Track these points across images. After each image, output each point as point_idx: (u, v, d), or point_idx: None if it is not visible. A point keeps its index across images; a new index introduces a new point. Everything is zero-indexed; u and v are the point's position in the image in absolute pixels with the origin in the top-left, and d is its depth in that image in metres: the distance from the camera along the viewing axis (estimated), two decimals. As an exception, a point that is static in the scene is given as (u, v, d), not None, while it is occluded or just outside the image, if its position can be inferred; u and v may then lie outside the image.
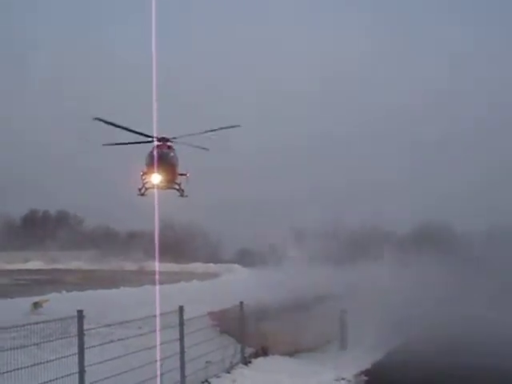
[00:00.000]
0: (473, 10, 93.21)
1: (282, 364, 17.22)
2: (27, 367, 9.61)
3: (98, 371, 10.73)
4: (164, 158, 25.54)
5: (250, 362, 17.18)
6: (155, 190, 26.18)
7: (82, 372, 10.41)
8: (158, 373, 12.50)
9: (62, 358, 10.43)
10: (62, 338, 10.79)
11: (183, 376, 13.66)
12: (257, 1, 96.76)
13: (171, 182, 26.12)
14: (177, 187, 26.52)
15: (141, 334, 12.63)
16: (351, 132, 68.82)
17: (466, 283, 31.35)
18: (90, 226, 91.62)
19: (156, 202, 25.83)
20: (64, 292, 29.17)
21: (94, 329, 11.05)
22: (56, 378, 9.97)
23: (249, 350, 17.70)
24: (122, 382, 11.25)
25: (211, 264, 60.09)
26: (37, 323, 10.49)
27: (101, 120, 23.34)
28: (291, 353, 18.53)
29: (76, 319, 10.74)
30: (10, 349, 9.34)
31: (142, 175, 25.75)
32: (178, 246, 72.11)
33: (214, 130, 24.17)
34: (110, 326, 12.14)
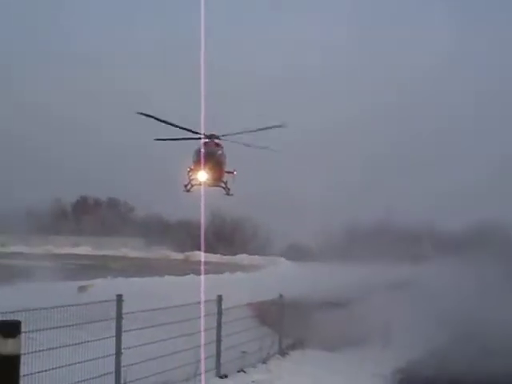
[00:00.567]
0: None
1: (319, 357, 17.35)
2: (66, 346, 9.94)
3: (135, 354, 11.04)
4: (211, 156, 25.64)
5: (287, 354, 17.37)
6: (201, 187, 26.46)
7: (118, 353, 10.75)
8: (203, 356, 12.82)
9: (101, 339, 10.77)
10: (101, 321, 11.10)
11: (218, 363, 13.92)
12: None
13: (218, 180, 26.27)
14: (223, 185, 26.67)
15: (180, 321, 12.87)
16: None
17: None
18: (140, 214, 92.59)
19: (203, 194, 26.18)
20: (109, 278, 29.69)
21: (132, 313, 11.30)
22: (94, 358, 10.29)
23: (286, 342, 17.88)
24: (158, 365, 11.56)
25: (257, 256, 60.26)
26: (77, 305, 10.85)
27: (146, 115, 23.62)
28: (329, 347, 18.60)
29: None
30: (51, 328, 9.62)
31: (189, 172, 25.95)
32: (227, 237, 72.57)
33: (261, 129, 24.31)
34: (148, 311, 12.37)
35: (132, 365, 10.99)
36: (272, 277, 33.01)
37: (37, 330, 9.12)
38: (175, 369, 12.15)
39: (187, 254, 66.40)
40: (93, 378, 10.23)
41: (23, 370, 8.50)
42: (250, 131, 24.80)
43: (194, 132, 25.21)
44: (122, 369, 10.88)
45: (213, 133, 26.03)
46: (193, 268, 39.45)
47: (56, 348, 9.72)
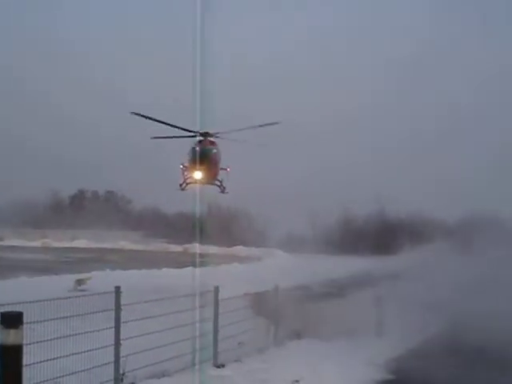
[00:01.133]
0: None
1: (315, 347, 17.52)
2: (66, 337, 10.18)
3: (132, 345, 11.28)
4: (206, 155, 25.79)
5: (283, 344, 17.60)
6: (197, 185, 26.59)
7: (117, 344, 11.00)
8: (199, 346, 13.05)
9: (99, 330, 11.02)
10: (99, 312, 11.33)
11: (215, 353, 14.17)
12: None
13: (213, 178, 26.45)
14: (218, 183, 26.84)
15: (176, 312, 13.11)
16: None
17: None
18: (138, 207, 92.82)
19: (199, 189, 26.33)
20: (107, 270, 29.93)
21: (130, 304, 11.52)
22: (93, 349, 10.54)
23: (282, 333, 18.11)
24: (156, 356, 11.80)
25: (253, 248, 60.56)
26: (76, 297, 11.10)
27: (138, 114, 23.77)
28: (325, 337, 18.79)
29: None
30: (50, 319, 9.84)
31: (184, 171, 26.07)
32: (223, 229, 72.77)
33: (256, 127, 24.45)
34: (146, 302, 12.60)
35: (130, 355, 11.21)
36: (268, 268, 33.35)
37: (36, 322, 9.28)
38: (173, 359, 12.38)
39: (185, 246, 66.72)
40: (92, 368, 10.46)
41: (25, 360, 8.73)
42: (246, 128, 24.95)
43: (188, 130, 25.36)
44: (121, 359, 11.11)
45: (207, 131, 26.18)
46: (190, 260, 39.75)
47: (55, 339, 9.93)
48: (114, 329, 11.12)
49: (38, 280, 25.04)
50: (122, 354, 11.15)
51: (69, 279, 24.04)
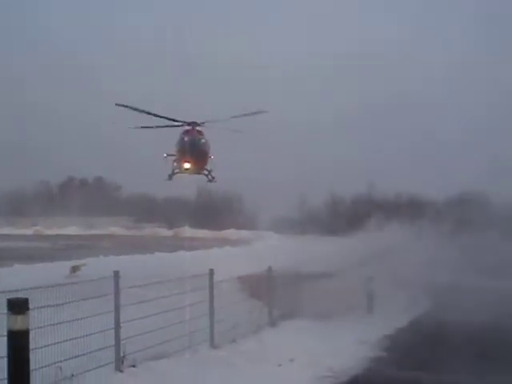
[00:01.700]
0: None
1: (308, 327, 17.83)
2: (66, 322, 10.44)
3: (130, 328, 11.57)
4: (196, 145, 25.87)
5: (276, 325, 17.92)
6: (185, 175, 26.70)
7: (117, 327, 11.30)
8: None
9: (98, 314, 11.29)
10: (97, 297, 11.61)
11: (212, 335, 14.48)
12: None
13: (201, 168, 26.56)
14: (205, 173, 26.95)
15: (171, 295, 13.38)
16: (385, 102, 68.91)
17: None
18: (127, 193, 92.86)
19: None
20: (101, 257, 30.11)
21: (128, 288, 11.80)
22: (94, 333, 10.82)
23: (276, 313, 18.42)
24: (154, 338, 12.09)
25: (244, 231, 60.83)
26: (74, 283, 11.39)
27: (123, 105, 23.83)
28: (317, 317, 19.08)
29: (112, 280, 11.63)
30: (49, 306, 10.09)
31: (173, 161, 26.09)
32: (214, 213, 73.03)
33: (244, 115, 24.56)
34: (142, 286, 12.87)
35: (129, 337, 11.50)
36: (260, 250, 33.57)
37: (35, 308, 9.51)
38: (170, 341, 12.66)
39: (176, 230, 66.98)
40: (94, 351, 10.74)
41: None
42: (234, 117, 25.03)
43: (174, 120, 25.44)
44: (121, 342, 11.40)
45: (194, 120, 26.23)
46: (182, 244, 39.99)
47: (54, 324, 10.17)
48: (114, 313, 11.39)
49: (32, 267, 25.18)
50: (121, 337, 11.44)
51: (63, 266, 24.18)
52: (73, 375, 10.19)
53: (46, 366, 9.64)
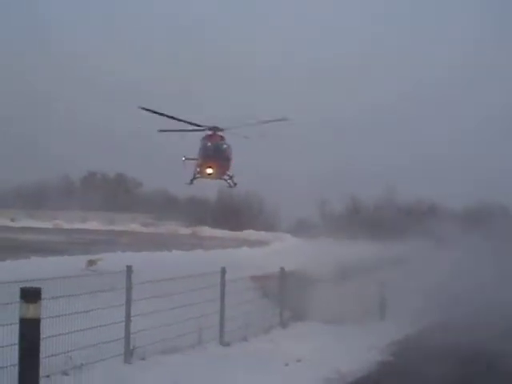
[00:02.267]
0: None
1: (319, 329, 17.98)
2: (79, 313, 10.65)
3: (141, 322, 11.77)
4: (219, 151, 25.92)
5: (287, 325, 18.08)
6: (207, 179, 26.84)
7: (128, 321, 11.52)
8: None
9: (110, 307, 11.50)
10: (110, 291, 11.82)
11: (222, 332, 14.65)
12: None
13: (224, 173, 26.62)
14: (226, 178, 27.00)
15: (184, 292, 13.55)
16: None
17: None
18: (147, 190, 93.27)
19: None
20: (118, 252, 30.32)
21: (141, 283, 11.99)
22: (105, 325, 11.02)
23: (287, 314, 18.57)
24: (164, 333, 12.28)
25: (263, 232, 60.88)
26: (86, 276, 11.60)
27: (147, 109, 23.97)
28: (329, 320, 19.21)
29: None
30: (61, 296, 10.28)
31: (196, 166, 26.10)
32: (233, 213, 73.22)
33: (265, 122, 24.65)
34: (155, 282, 13.02)
35: (139, 331, 11.69)
36: (276, 251, 33.66)
37: (48, 299, 9.68)
38: (180, 336, 12.85)
39: (194, 229, 67.21)
40: (104, 343, 10.94)
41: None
42: (254, 124, 25.11)
43: (196, 125, 25.54)
44: (131, 335, 11.60)
45: (215, 125, 26.30)
46: (200, 243, 40.19)
47: (66, 315, 10.37)
48: (125, 305, 11.60)
49: (49, 260, 25.42)
50: (131, 330, 11.64)
51: (80, 260, 24.40)
52: (82, 364, 10.39)
53: (56, 355, 9.83)
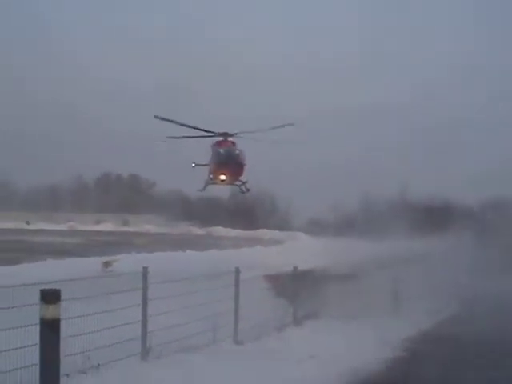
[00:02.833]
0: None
1: (332, 327, 18.14)
2: (96, 314, 10.91)
3: (157, 322, 12.03)
4: (233, 157, 26.04)
5: (301, 324, 18.27)
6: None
7: (144, 320, 11.79)
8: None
9: (127, 308, 11.75)
10: (127, 291, 12.07)
11: (236, 331, 14.88)
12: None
13: (236, 179, 26.75)
14: (239, 184, 27.11)
15: (199, 291, 13.79)
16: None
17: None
18: (161, 190, 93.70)
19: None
20: (133, 253, 30.64)
21: (157, 283, 12.24)
22: (122, 324, 11.28)
23: (301, 313, 18.76)
24: (180, 332, 12.53)
25: (276, 231, 61.14)
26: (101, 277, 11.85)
27: (160, 118, 24.19)
28: (342, 318, 19.37)
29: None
30: (79, 298, 10.54)
31: (209, 173, 26.20)
32: (247, 213, 73.48)
33: (274, 128, 24.80)
34: (170, 282, 13.24)
35: (155, 331, 11.95)
36: (290, 250, 33.86)
37: (66, 300, 9.91)
38: (195, 335, 13.09)
39: (208, 229, 67.57)
40: (121, 342, 11.19)
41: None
42: (263, 130, 25.27)
43: (205, 131, 25.71)
44: (148, 334, 11.86)
45: (226, 131, 26.45)
46: (214, 243, 40.45)
47: (85, 316, 10.64)
48: (141, 306, 11.85)
49: (65, 262, 25.75)
50: (148, 329, 11.90)
51: (96, 261, 24.71)
52: (99, 364, 10.64)
53: (74, 354, 10.09)
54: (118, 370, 10.79)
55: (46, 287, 9.43)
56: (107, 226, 74.87)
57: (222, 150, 26.10)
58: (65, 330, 9.60)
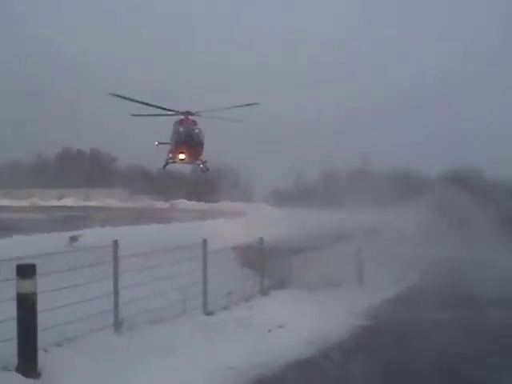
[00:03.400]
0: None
1: (298, 296, 18.46)
2: (67, 288, 11.07)
3: (127, 295, 12.20)
4: (191, 136, 26.08)
5: (268, 294, 18.57)
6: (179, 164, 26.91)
7: (116, 293, 11.97)
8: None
9: (96, 281, 11.92)
10: (95, 265, 12.21)
11: (205, 302, 15.13)
12: None
13: (196, 158, 26.82)
14: (199, 163, 27.21)
15: (166, 264, 13.97)
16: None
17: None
18: (123, 165, 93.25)
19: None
20: (97, 227, 30.59)
21: (125, 256, 12.38)
22: (92, 298, 11.45)
23: (267, 283, 19.06)
24: (150, 305, 12.73)
25: (239, 203, 61.22)
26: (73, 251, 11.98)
27: (117, 95, 24.05)
28: (308, 287, 19.68)
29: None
30: (49, 273, 10.67)
31: (169, 152, 26.22)
32: (209, 185, 73.52)
33: (236, 107, 24.85)
34: (138, 255, 13.40)
35: (126, 303, 12.13)
36: (254, 222, 34.01)
37: (39, 275, 10.02)
38: (165, 307, 13.29)
39: (172, 202, 67.53)
40: (94, 315, 11.37)
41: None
42: (225, 108, 25.31)
43: (168, 110, 25.65)
44: (119, 307, 12.05)
45: (188, 110, 26.43)
46: (178, 216, 40.49)
47: (56, 290, 10.77)
48: (113, 279, 12.02)
49: (31, 238, 25.61)
50: (119, 302, 12.09)
51: (61, 236, 24.65)
52: (74, 337, 10.83)
53: (49, 328, 10.24)
54: (92, 342, 10.99)
55: (17, 263, 9.56)
56: (69, 201, 74.37)
57: (181, 129, 26.17)
58: (40, 304, 9.75)
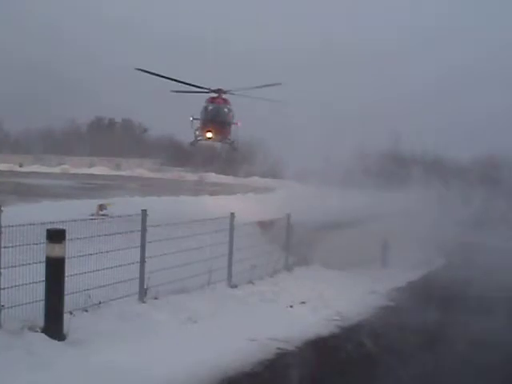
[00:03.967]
0: None
1: (322, 274, 18.60)
2: (94, 254, 11.25)
3: (153, 264, 12.35)
4: (218, 114, 26.07)
5: (292, 270, 18.70)
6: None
7: (142, 262, 12.13)
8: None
9: (124, 249, 12.06)
10: (124, 233, 12.35)
11: (230, 275, 15.29)
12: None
13: (224, 137, 26.86)
14: (228, 142, 27.25)
15: (193, 235, 14.13)
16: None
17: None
18: (154, 135, 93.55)
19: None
20: (127, 197, 30.80)
21: (152, 227, 12.51)
22: (119, 266, 11.62)
23: (292, 259, 19.18)
24: (175, 274, 12.88)
25: (268, 179, 61.14)
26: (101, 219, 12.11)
27: (142, 70, 24.03)
28: (333, 266, 19.78)
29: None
30: (78, 239, 10.81)
31: (196, 129, 26.28)
32: (239, 160, 73.45)
33: (264, 86, 24.84)
34: (165, 226, 13.49)
35: (152, 272, 12.29)
36: (283, 198, 34.04)
37: (68, 240, 10.16)
38: (191, 277, 13.45)
39: (201, 175, 67.70)
40: (120, 282, 11.55)
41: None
42: (255, 87, 25.29)
43: (198, 87, 25.65)
44: (145, 276, 12.22)
45: (220, 87, 26.44)
46: (206, 189, 40.62)
47: (84, 256, 10.96)
48: (140, 248, 12.17)
49: (60, 204, 25.86)
50: (145, 271, 12.26)
51: (90, 204, 24.87)
52: (100, 302, 11.03)
53: (76, 292, 10.45)
54: (116, 308, 11.19)
55: (50, 227, 9.73)
56: (99, 170, 74.87)
57: (210, 107, 26.21)
58: (67, 269, 9.93)
